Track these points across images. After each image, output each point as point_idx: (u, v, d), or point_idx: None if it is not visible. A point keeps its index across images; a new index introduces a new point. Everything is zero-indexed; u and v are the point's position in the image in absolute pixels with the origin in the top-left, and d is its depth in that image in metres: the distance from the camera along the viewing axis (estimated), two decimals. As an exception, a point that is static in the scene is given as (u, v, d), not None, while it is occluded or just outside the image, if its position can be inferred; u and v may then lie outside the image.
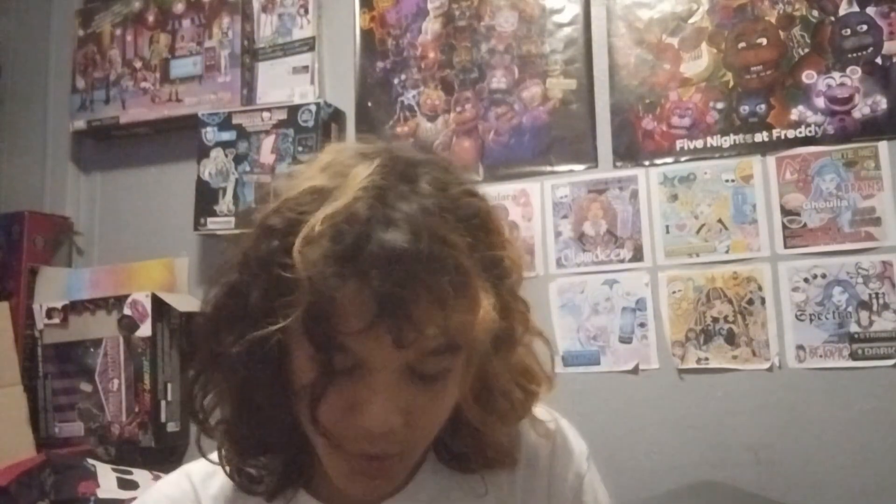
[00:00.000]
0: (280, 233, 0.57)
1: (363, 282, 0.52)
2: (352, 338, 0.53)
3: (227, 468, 0.67)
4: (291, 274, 0.53)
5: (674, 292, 1.61)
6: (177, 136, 2.05)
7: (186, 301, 1.94)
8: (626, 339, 1.63)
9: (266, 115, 1.89)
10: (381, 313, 0.52)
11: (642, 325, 1.62)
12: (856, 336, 1.48)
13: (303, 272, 0.53)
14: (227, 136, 1.91)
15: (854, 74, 1.54)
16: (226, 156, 1.91)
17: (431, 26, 1.86)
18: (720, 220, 1.60)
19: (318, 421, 0.57)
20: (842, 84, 1.54)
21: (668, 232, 1.63)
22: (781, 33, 1.59)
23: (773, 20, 1.60)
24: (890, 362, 1.46)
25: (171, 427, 1.87)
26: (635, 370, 1.61)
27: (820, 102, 1.55)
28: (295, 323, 0.54)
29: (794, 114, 1.57)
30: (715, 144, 1.62)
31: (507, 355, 0.63)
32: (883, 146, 1.51)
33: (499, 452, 0.68)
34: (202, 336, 0.61)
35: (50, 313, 1.97)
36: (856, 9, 1.55)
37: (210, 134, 1.93)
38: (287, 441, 0.64)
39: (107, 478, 1.65)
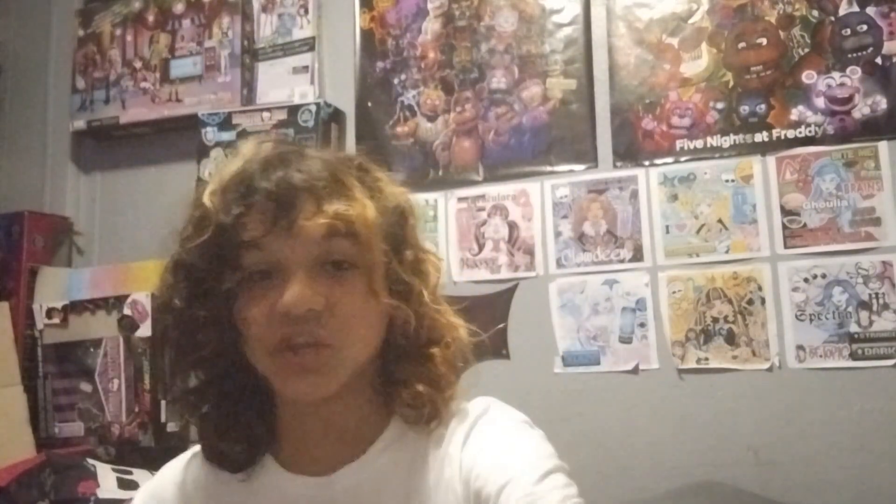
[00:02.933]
0: (194, 205, 0.72)
1: (262, 202, 0.66)
2: (259, 239, 0.66)
3: (202, 445, 0.75)
4: (207, 217, 0.68)
5: (674, 292, 1.61)
6: (177, 136, 2.05)
7: (186, 301, 1.94)
8: (626, 339, 1.63)
9: (266, 115, 1.89)
10: (277, 214, 0.66)
11: (642, 325, 1.62)
12: (856, 336, 1.48)
13: (212, 210, 0.68)
14: (227, 136, 1.91)
15: (854, 74, 1.54)
16: (226, 156, 1.91)
17: (431, 26, 1.86)
18: (720, 220, 1.60)
19: (247, 326, 0.67)
20: (842, 84, 1.54)
21: (668, 232, 1.63)
22: (781, 33, 1.59)
23: (773, 20, 1.60)
24: (890, 362, 1.46)
25: (171, 427, 1.87)
26: (635, 370, 1.61)
27: (820, 102, 1.55)
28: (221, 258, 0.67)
29: (794, 114, 1.57)
30: (715, 144, 1.62)
31: (404, 257, 0.73)
32: (883, 146, 1.51)
33: (437, 383, 0.74)
34: (166, 297, 0.74)
35: (50, 313, 1.97)
36: (856, 9, 1.55)
37: (210, 134, 1.93)
38: (249, 405, 0.73)
39: (107, 478, 1.65)
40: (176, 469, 0.80)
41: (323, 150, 0.75)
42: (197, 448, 0.78)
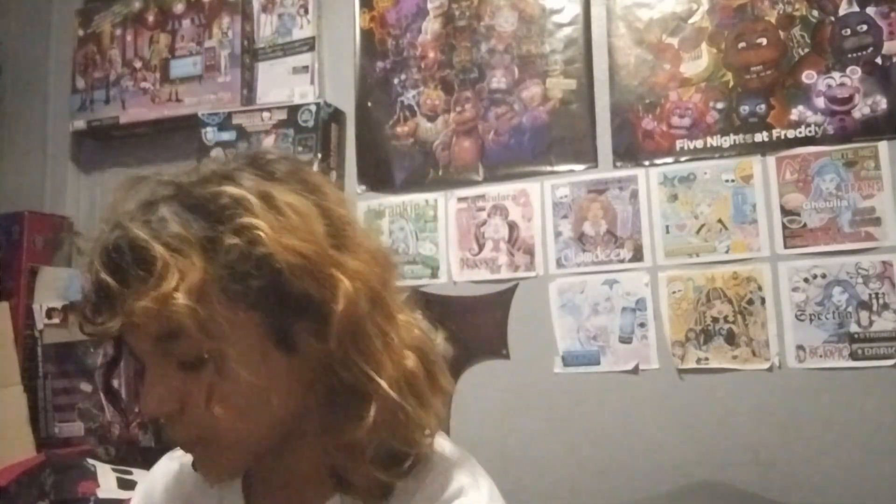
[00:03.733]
0: None
1: (88, 296, 0.61)
2: (115, 335, 0.61)
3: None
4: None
5: (674, 292, 1.61)
6: (177, 136, 2.05)
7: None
8: (626, 339, 1.63)
9: (266, 115, 1.89)
10: (103, 313, 0.59)
11: (642, 325, 1.62)
12: (856, 336, 1.48)
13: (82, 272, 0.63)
14: (227, 136, 1.91)
15: (854, 74, 1.53)
16: (226, 156, 1.91)
17: (431, 26, 1.86)
18: (720, 220, 1.60)
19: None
20: (842, 84, 1.54)
21: (668, 232, 1.63)
22: (781, 33, 1.59)
23: (773, 20, 1.60)
24: (890, 362, 1.46)
25: (171, 427, 1.87)
26: (635, 370, 1.61)
27: (820, 102, 1.55)
28: None
29: (794, 114, 1.57)
30: (715, 144, 1.62)
31: (283, 302, 0.60)
32: (883, 146, 1.51)
33: (364, 477, 0.64)
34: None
35: (50, 313, 1.97)
36: (856, 9, 1.55)
37: (210, 134, 1.93)
38: None
39: (107, 478, 1.65)
40: (166, 468, 0.81)
41: (156, 190, 0.64)
42: None
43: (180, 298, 0.56)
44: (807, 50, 1.57)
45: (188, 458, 0.71)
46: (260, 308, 0.60)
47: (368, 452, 0.63)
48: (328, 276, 0.61)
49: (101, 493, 1.60)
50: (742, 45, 1.62)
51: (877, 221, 1.50)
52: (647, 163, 1.66)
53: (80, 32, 2.16)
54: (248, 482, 0.74)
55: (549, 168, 1.73)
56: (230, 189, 0.61)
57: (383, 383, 0.62)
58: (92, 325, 0.60)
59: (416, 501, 0.65)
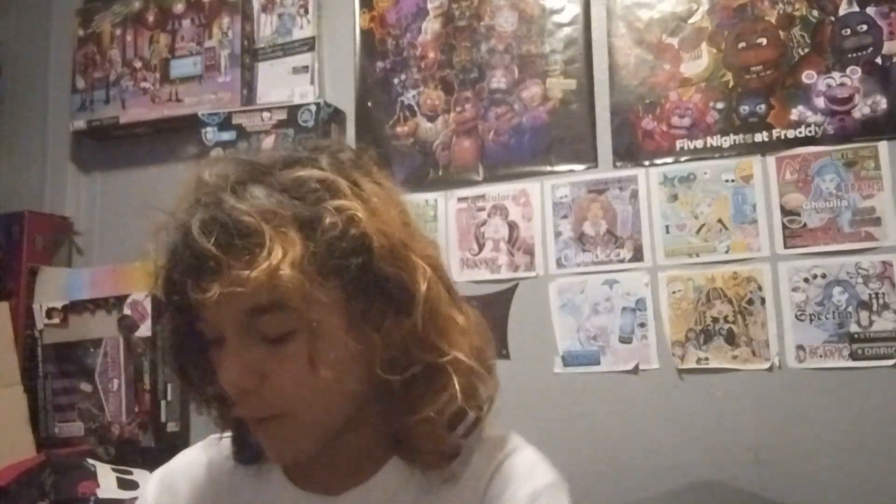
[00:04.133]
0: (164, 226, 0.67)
1: (186, 253, 0.61)
2: (200, 308, 0.62)
3: (229, 438, 0.75)
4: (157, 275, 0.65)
5: (674, 292, 1.61)
6: (177, 136, 2.05)
7: (186, 301, 1.94)
8: (626, 339, 1.63)
9: (266, 115, 1.89)
10: (197, 281, 0.59)
11: (642, 325, 1.62)
12: (856, 336, 1.48)
13: (154, 252, 0.65)
14: (227, 136, 1.91)
15: (854, 74, 1.53)
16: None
17: (431, 26, 1.86)
18: (720, 220, 1.60)
19: (213, 391, 0.65)
20: (842, 84, 1.54)
21: (668, 232, 1.63)
22: (781, 33, 1.59)
23: (773, 20, 1.60)
24: (890, 362, 1.46)
25: (171, 427, 1.87)
26: (635, 370, 1.61)
27: (820, 102, 1.55)
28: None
29: (794, 114, 1.57)
30: (715, 144, 1.62)
31: (370, 286, 0.63)
32: (883, 146, 1.51)
33: (433, 441, 0.68)
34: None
35: (50, 313, 1.97)
36: (856, 9, 1.55)
37: (210, 134, 1.93)
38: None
39: (107, 478, 1.65)
40: (191, 458, 0.79)
41: (249, 173, 0.65)
42: (213, 439, 0.79)
43: (286, 271, 0.58)
44: (807, 50, 1.57)
45: (219, 448, 0.76)
46: (350, 286, 0.62)
47: (444, 420, 0.67)
48: (408, 258, 0.65)
49: (101, 493, 1.60)
50: (742, 45, 1.62)
51: (877, 221, 1.50)
52: (647, 163, 1.66)
53: (80, 32, 2.16)
54: (288, 468, 0.74)
55: (549, 168, 1.73)
56: (318, 173, 0.64)
57: (463, 357, 0.66)
58: (197, 291, 0.59)
59: (475, 459, 0.70)
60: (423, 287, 0.64)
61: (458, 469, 0.69)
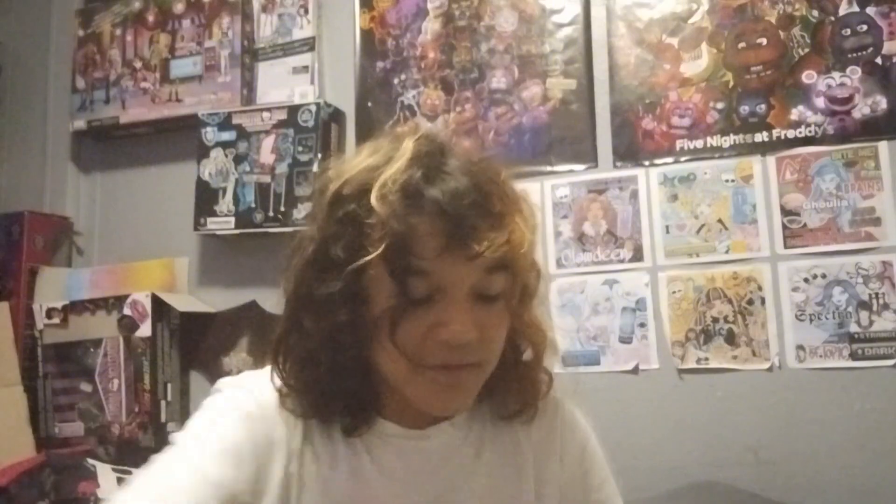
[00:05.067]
0: (354, 197, 0.69)
1: (433, 216, 0.65)
2: (429, 263, 0.66)
3: (310, 404, 0.75)
4: (373, 220, 0.66)
5: (674, 292, 1.61)
6: (177, 136, 2.05)
7: (186, 301, 1.94)
8: (626, 339, 1.63)
9: (266, 115, 1.89)
10: (451, 237, 0.65)
11: (642, 325, 1.62)
12: (856, 336, 1.48)
13: (383, 216, 0.65)
14: (227, 136, 1.91)
15: (854, 74, 1.54)
16: (226, 156, 1.91)
17: (431, 26, 1.86)
18: (720, 220, 1.60)
19: (398, 343, 0.68)
20: (842, 84, 1.54)
21: (668, 232, 1.63)
22: (781, 33, 1.59)
23: (773, 20, 1.60)
24: (890, 362, 1.46)
25: (172, 427, 1.87)
26: (635, 370, 1.61)
27: (820, 102, 1.55)
28: (377, 262, 0.66)
29: (794, 114, 1.57)
30: (715, 144, 1.62)
31: (535, 290, 0.76)
32: (883, 146, 1.51)
33: (529, 389, 0.80)
34: (292, 292, 0.73)
35: (50, 313, 1.97)
36: (856, 9, 1.55)
37: (210, 134, 1.93)
38: (360, 379, 0.74)
39: (107, 478, 1.66)
40: (272, 402, 0.76)
41: (460, 153, 0.72)
42: (264, 397, 0.76)
43: (528, 240, 0.71)
44: (807, 50, 1.57)
45: (265, 402, 0.75)
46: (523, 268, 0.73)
47: (530, 376, 0.80)
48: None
49: (101, 493, 1.60)
50: (742, 45, 1.62)
51: (877, 221, 1.50)
52: (647, 163, 1.66)
53: (80, 32, 2.16)
54: (386, 410, 0.79)
55: (549, 168, 1.73)
56: (516, 185, 0.75)
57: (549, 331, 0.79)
58: (461, 248, 0.65)
59: (543, 410, 0.83)
60: (538, 281, 0.77)
61: (535, 424, 0.82)
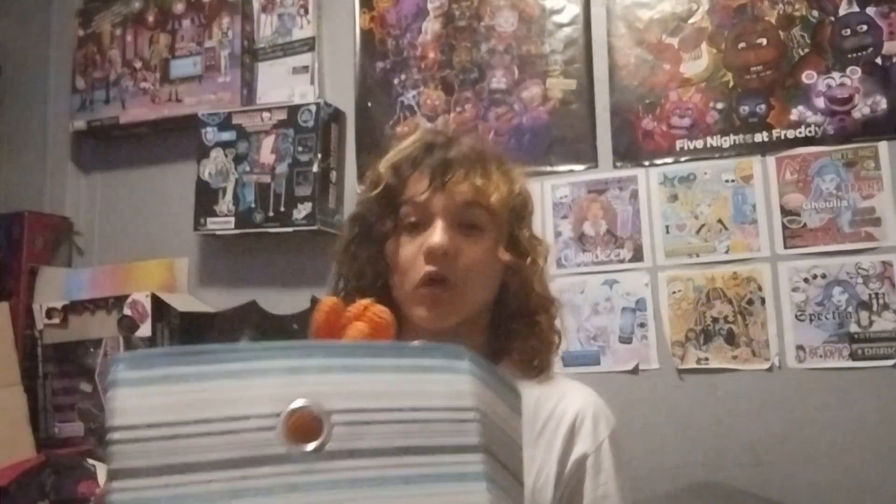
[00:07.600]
0: (379, 173, 0.91)
1: (424, 169, 0.87)
2: (418, 196, 0.86)
3: None
4: (379, 180, 0.90)
5: (674, 292, 1.61)
6: (177, 136, 2.05)
7: (186, 301, 1.94)
8: (626, 340, 1.63)
9: (266, 115, 1.89)
10: (434, 176, 0.86)
11: (642, 325, 1.62)
12: (856, 336, 1.48)
13: (384, 174, 0.89)
14: (227, 136, 1.91)
15: (854, 74, 1.54)
16: (226, 156, 1.91)
17: (431, 26, 1.86)
18: (720, 221, 1.60)
19: (399, 264, 0.86)
20: (842, 84, 1.54)
21: (668, 232, 1.63)
22: (781, 33, 1.59)
23: (773, 20, 1.60)
24: (890, 362, 1.46)
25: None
26: (635, 370, 1.61)
27: (820, 102, 1.55)
28: (388, 215, 0.89)
29: (794, 114, 1.57)
30: (715, 144, 1.62)
31: (522, 233, 0.92)
32: (883, 146, 1.51)
33: (545, 341, 0.95)
34: (343, 240, 0.94)
35: (50, 313, 1.97)
36: (856, 9, 1.55)
37: (210, 134, 1.93)
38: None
39: (107, 478, 1.65)
40: None
41: (474, 140, 0.94)
42: None
43: (503, 189, 0.89)
44: (807, 50, 1.57)
45: None
46: (514, 226, 0.91)
47: (542, 337, 0.95)
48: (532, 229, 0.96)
49: (101, 493, 1.60)
50: (742, 45, 1.62)
51: (877, 221, 1.50)
52: (647, 163, 1.66)
53: (80, 32, 2.16)
54: None
55: (549, 168, 1.73)
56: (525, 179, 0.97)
57: (557, 303, 0.97)
58: (429, 186, 0.86)
59: (554, 378, 0.97)
60: (545, 255, 0.94)
61: (552, 388, 0.95)
